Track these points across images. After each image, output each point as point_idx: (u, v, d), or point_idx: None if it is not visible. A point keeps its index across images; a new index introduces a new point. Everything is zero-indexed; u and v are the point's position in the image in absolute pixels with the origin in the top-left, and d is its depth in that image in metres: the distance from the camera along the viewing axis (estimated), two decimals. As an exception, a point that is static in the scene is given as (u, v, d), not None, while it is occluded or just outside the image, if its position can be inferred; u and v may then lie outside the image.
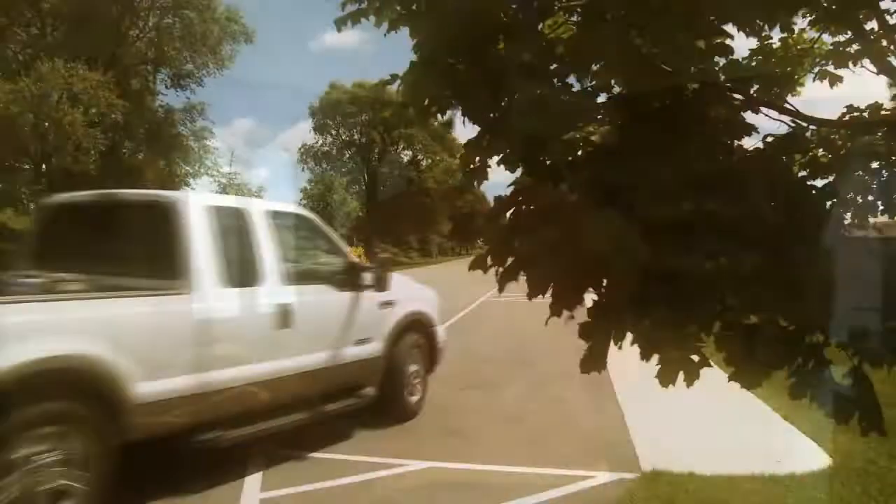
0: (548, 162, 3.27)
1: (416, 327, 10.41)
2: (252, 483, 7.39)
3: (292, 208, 9.94)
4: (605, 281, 2.86)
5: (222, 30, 28.60)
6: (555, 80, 3.35)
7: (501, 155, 3.36)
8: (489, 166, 3.45)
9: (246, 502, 6.94)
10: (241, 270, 7.76)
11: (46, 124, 22.83)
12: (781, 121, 3.54)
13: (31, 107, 21.62)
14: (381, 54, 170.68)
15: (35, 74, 21.17)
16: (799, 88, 4.81)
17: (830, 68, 4.63)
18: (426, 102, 3.18)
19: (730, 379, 2.91)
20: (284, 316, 7.99)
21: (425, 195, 73.02)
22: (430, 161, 76.45)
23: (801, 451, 8.44)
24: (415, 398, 10.24)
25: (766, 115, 3.70)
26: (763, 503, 6.91)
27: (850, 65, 4.39)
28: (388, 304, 9.71)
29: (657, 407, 10.55)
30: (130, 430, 6.40)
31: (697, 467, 7.64)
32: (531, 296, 3.05)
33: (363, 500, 7.18)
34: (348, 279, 9.13)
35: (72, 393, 6.05)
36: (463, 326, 20.20)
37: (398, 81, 3.28)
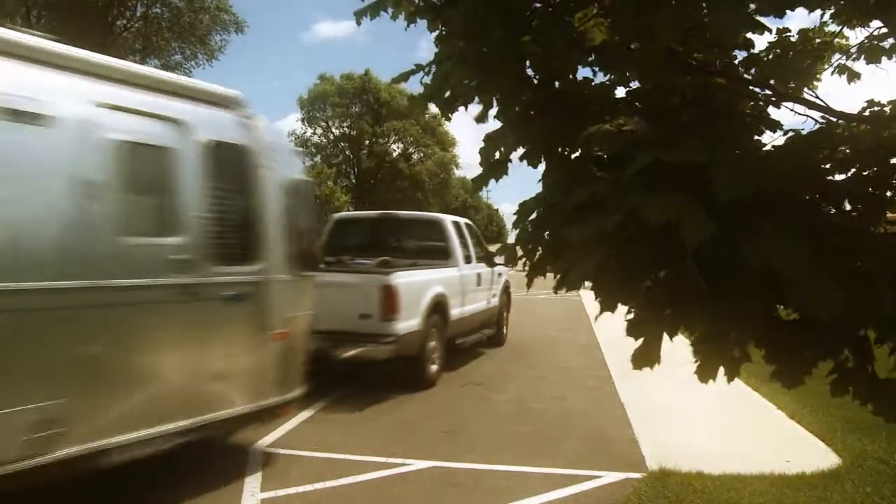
0: (573, 156, 3.27)
1: (506, 287, 17.47)
2: (252, 483, 7.37)
3: (468, 221, 16.30)
4: (660, 273, 2.83)
5: (212, 19, 28.47)
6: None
7: (524, 150, 3.37)
8: (510, 161, 3.44)
9: (246, 503, 6.91)
10: (466, 256, 14.36)
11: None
12: (809, 116, 3.55)
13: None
14: (373, 45, 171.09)
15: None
16: (815, 83, 4.82)
17: (849, 63, 4.65)
18: (447, 95, 3.18)
19: (771, 377, 2.89)
20: (479, 279, 14.87)
21: (417, 189, 72.88)
22: (421, 154, 76.26)
23: (809, 451, 8.45)
24: (506, 332, 17.70)
25: (791, 110, 3.71)
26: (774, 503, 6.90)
27: (885, 59, 4.39)
28: (500, 274, 16.64)
29: (660, 406, 10.62)
30: (447, 335, 12.97)
31: (703, 466, 7.66)
32: (560, 289, 3.04)
33: (366, 500, 7.15)
34: (488, 260, 14.82)
35: (440, 313, 12.59)
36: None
37: (422, 73, 3.28)
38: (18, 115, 5.43)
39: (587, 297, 30.51)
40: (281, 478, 7.53)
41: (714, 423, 9.93)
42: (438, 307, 12.46)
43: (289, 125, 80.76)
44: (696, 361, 2.90)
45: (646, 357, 2.92)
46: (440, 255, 13.86)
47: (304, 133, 73.63)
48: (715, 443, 8.86)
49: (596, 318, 3.11)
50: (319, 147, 74.13)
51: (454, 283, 13.36)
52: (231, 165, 7.36)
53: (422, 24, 3.38)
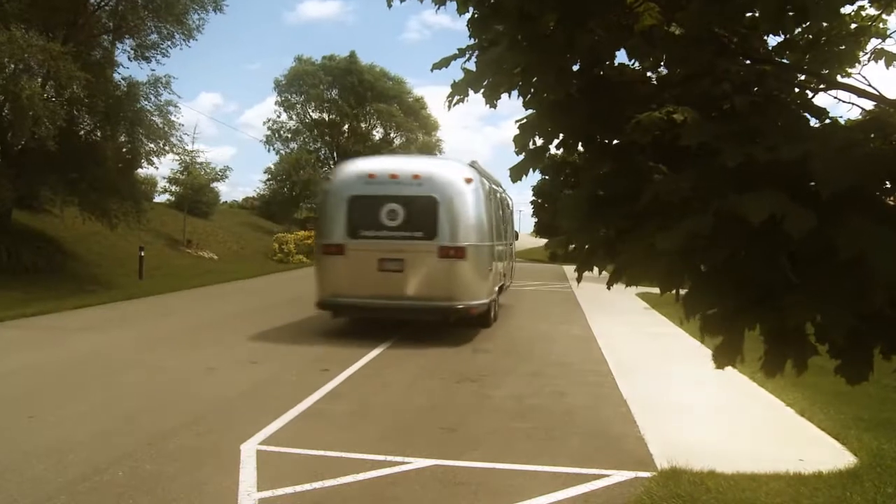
0: (613, 143, 3.26)
1: (512, 251, 25.98)
2: (247, 482, 7.31)
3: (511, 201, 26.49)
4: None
5: (189, -3, 28.32)
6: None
7: (560, 138, 3.36)
8: (548, 149, 3.43)
9: (243, 503, 6.87)
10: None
11: (2, 97, 22.50)
12: (853, 103, 3.54)
13: (-14, 79, 21.38)
14: (360, 26, 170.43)
15: (-9, 45, 20.83)
16: (849, 70, 4.80)
17: (888, 47, 4.63)
18: (487, 81, 3.17)
19: (836, 372, 2.88)
20: (511, 253, 25.02)
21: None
22: (404, 139, 76.04)
23: (823, 450, 8.47)
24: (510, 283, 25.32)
25: (834, 97, 3.71)
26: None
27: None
28: (512, 244, 24.73)
29: (664, 402, 10.63)
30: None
31: (715, 465, 7.67)
32: (615, 284, 3.03)
33: (367, 500, 7.10)
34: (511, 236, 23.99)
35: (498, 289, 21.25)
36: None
37: (465, 58, 3.26)
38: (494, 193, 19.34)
39: (580, 288, 30.62)
40: (277, 477, 7.46)
41: (721, 419, 9.96)
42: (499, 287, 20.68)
43: (266, 109, 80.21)
44: (761, 357, 2.89)
45: (728, 353, 2.91)
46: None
47: (280, 117, 73.23)
48: (724, 440, 8.88)
49: (686, 319, 3.06)
50: (296, 132, 73.68)
51: (506, 265, 22.92)
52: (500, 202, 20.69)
53: (415, 5, 3.37)
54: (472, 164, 17.80)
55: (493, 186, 19.82)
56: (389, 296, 16.35)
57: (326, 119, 73.43)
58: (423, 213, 16.24)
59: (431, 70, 3.50)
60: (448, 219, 16.25)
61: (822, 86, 3.53)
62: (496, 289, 19.12)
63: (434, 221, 16.21)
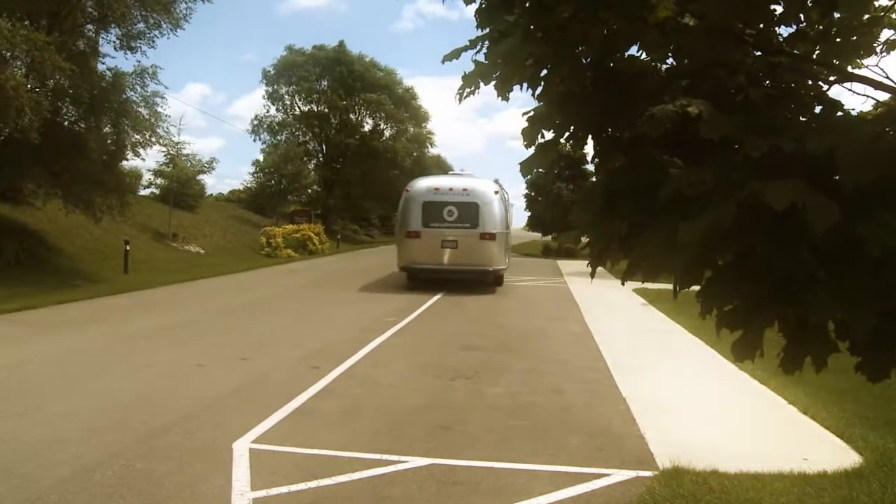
0: (625, 136, 3.26)
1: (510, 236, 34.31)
2: (240, 482, 7.29)
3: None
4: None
5: (177, -15, 28.18)
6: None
7: (570, 131, 3.35)
8: (559, 143, 3.42)
9: (237, 503, 6.86)
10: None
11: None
12: (869, 96, 3.54)
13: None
14: (352, 17, 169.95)
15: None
16: (863, 61, 4.80)
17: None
18: (498, 74, 3.16)
19: (856, 369, 2.88)
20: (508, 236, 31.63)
21: (391, 167, 72.57)
22: (395, 130, 75.90)
23: (827, 449, 8.49)
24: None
25: (849, 90, 3.71)
26: (796, 504, 6.92)
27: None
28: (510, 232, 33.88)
29: (664, 400, 10.66)
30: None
31: (717, 464, 7.68)
32: (629, 279, 3.03)
33: (365, 500, 7.06)
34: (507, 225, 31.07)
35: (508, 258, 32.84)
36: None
37: (476, 49, 3.25)
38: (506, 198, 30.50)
39: (575, 283, 30.70)
40: (271, 476, 7.44)
41: (723, 418, 9.98)
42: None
43: (256, 99, 79.90)
44: (780, 353, 2.89)
45: (748, 348, 2.91)
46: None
47: (268, 111, 73.00)
48: (726, 439, 8.90)
49: (702, 316, 3.07)
50: (284, 124, 73.43)
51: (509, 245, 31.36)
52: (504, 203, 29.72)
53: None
54: (496, 181, 29.44)
55: (504, 192, 30.26)
56: (447, 263, 27.56)
57: (316, 110, 73.24)
58: (469, 212, 27.38)
59: (443, 62, 3.48)
60: (484, 215, 27.42)
61: (834, 77, 3.52)
62: (507, 260, 30.20)
63: (476, 217, 27.35)
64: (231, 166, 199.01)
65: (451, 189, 28.07)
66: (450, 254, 27.48)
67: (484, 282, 28.87)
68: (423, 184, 29.33)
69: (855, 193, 2.40)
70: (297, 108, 73.63)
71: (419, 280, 28.39)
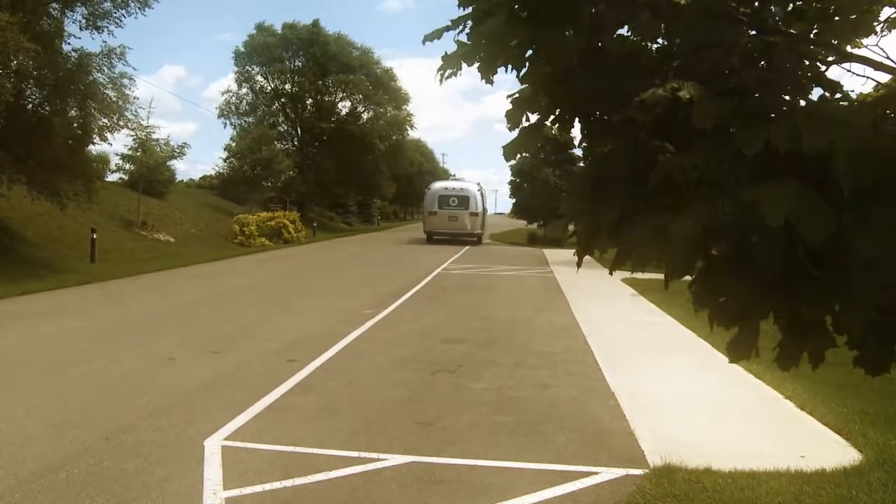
0: (614, 119, 3.22)
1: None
2: (212, 480, 7.24)
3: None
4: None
5: (146, -38, 27.94)
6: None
7: (556, 114, 3.31)
8: (545, 126, 3.37)
9: (209, 502, 6.79)
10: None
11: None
12: (869, 77, 3.51)
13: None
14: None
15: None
16: (862, 41, 4.77)
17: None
18: (481, 55, 3.11)
19: (855, 364, 2.86)
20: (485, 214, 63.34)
21: (368, 152, 72.46)
22: (371, 113, 75.62)
23: (826, 445, 8.49)
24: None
25: (848, 70, 3.67)
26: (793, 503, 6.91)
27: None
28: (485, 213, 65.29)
29: (655, 395, 10.65)
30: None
31: (711, 462, 7.68)
32: (618, 268, 3.00)
33: (343, 499, 7.00)
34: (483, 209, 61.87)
35: (483, 226, 64.96)
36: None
37: (458, 29, 3.20)
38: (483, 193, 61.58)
39: (562, 273, 30.69)
40: (244, 474, 7.41)
41: (717, 413, 9.97)
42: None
43: (232, 81, 79.01)
44: (776, 348, 2.86)
45: (743, 345, 2.88)
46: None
47: (240, 91, 72.64)
48: (720, 435, 8.90)
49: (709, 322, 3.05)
50: (255, 106, 73.04)
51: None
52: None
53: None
54: (478, 184, 60.41)
55: (483, 190, 60.21)
56: (452, 230, 56.13)
57: (289, 90, 72.86)
58: (463, 200, 56.34)
59: (423, 42, 3.43)
60: (471, 202, 56.43)
61: (833, 58, 3.49)
62: (483, 229, 59.28)
63: (467, 203, 56.25)
64: (206, 151, 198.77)
65: (453, 188, 58.38)
66: (453, 224, 56.12)
67: (471, 242, 55.82)
68: (438, 185, 60.75)
69: (854, 193, 2.36)
70: (268, 90, 73.25)
71: (432, 241, 55.99)
